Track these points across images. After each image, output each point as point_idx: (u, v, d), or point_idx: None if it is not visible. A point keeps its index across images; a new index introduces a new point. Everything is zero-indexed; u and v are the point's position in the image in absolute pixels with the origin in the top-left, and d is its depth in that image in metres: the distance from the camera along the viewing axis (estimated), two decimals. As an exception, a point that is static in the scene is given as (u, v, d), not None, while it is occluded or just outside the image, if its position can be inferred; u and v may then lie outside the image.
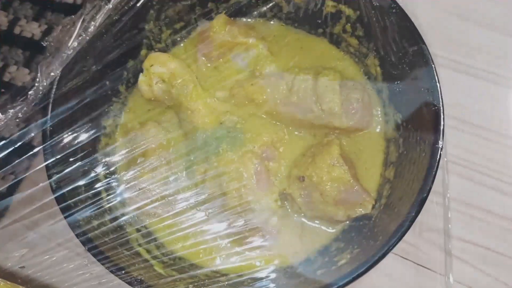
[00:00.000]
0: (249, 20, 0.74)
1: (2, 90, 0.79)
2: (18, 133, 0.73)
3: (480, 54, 0.76)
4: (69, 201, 0.59)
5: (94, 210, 0.61)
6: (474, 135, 0.72)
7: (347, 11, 0.66)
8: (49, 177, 0.58)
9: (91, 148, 0.66)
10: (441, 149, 0.56)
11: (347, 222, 0.64)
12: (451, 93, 0.73)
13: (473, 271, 0.67)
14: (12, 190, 0.71)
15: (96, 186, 0.65)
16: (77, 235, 0.56)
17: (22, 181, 0.72)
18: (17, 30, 0.83)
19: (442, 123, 0.57)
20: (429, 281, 0.66)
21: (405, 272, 0.67)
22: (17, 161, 0.71)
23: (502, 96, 0.74)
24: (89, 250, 0.55)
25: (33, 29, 0.83)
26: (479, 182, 0.70)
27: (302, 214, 0.64)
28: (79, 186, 0.62)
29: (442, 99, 0.58)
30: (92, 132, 0.66)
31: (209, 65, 0.71)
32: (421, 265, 0.67)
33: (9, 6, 0.84)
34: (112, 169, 0.68)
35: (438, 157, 0.55)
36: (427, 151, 0.57)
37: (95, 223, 0.60)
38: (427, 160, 0.56)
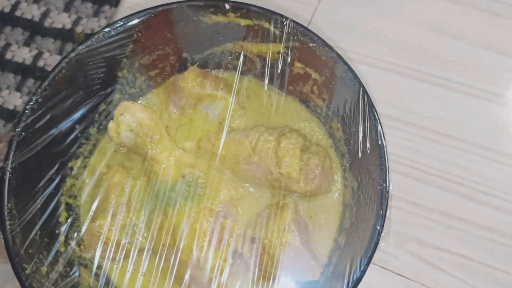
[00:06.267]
0: (222, 71, 0.74)
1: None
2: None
3: (454, 67, 0.78)
4: (23, 247, 0.59)
5: (47, 255, 0.63)
6: (451, 147, 0.75)
7: (313, 74, 0.67)
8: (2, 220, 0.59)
9: (54, 191, 0.67)
10: (381, 230, 0.56)
11: (296, 286, 0.65)
12: (427, 106, 0.76)
13: (450, 279, 0.69)
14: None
15: (55, 228, 0.66)
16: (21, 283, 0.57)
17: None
18: (8, 55, 0.86)
19: (385, 204, 0.57)
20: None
21: (384, 281, 0.69)
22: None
23: (477, 107, 0.77)
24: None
25: (24, 54, 0.86)
26: (455, 192, 0.73)
27: (253, 275, 0.65)
28: (36, 229, 0.63)
29: (389, 179, 0.57)
30: (57, 173, 0.68)
31: (180, 114, 0.72)
32: (399, 274, 0.69)
33: (1, 32, 0.86)
34: (75, 211, 0.70)
35: (376, 238, 0.55)
36: (368, 230, 0.57)
37: (45, 270, 0.61)
38: (366, 240, 0.56)
